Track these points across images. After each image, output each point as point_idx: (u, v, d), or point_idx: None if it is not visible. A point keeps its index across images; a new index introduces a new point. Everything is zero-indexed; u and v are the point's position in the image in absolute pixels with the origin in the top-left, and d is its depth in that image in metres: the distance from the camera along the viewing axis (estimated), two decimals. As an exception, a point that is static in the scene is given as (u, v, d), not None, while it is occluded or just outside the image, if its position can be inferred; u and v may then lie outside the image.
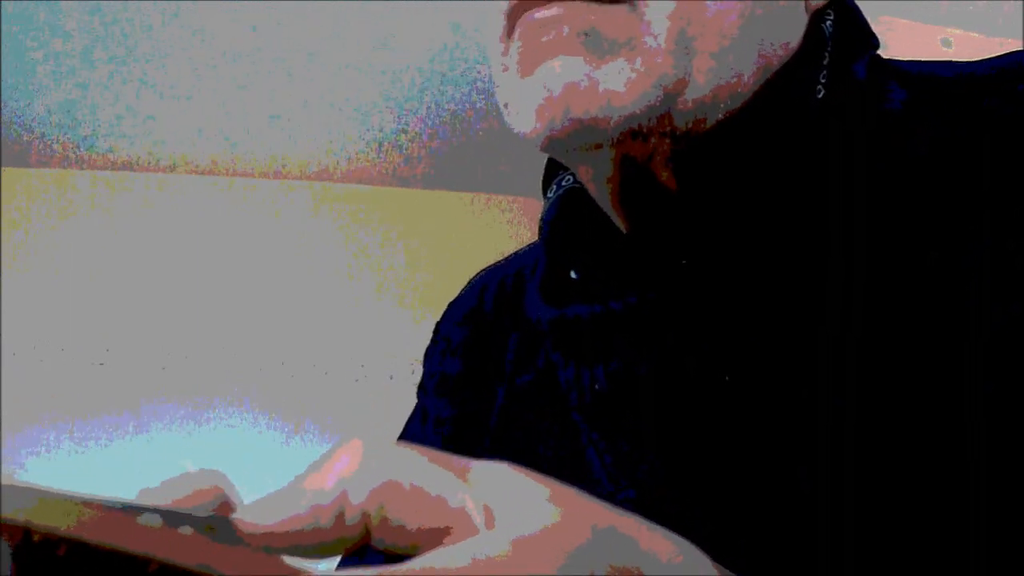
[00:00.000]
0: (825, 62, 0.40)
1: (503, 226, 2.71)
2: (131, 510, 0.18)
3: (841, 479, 0.33)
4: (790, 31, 0.40)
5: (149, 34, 2.09)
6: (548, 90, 0.36)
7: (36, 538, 0.16)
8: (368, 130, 2.57)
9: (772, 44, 0.39)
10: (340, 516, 0.20)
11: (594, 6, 0.36)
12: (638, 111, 0.36)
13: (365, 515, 0.20)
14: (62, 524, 0.17)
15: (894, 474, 0.33)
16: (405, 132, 2.58)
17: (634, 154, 0.38)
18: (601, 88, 0.35)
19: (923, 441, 0.32)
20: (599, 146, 0.38)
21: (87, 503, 0.18)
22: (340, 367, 2.69)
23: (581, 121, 0.36)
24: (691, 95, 0.37)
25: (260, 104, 2.42)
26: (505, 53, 0.39)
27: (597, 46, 0.36)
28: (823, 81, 0.39)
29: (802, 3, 0.41)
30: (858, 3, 0.43)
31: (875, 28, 0.43)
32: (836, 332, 0.35)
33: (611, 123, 0.36)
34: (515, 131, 0.39)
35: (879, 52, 0.43)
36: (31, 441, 2.48)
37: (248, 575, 0.18)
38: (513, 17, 0.38)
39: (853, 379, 0.34)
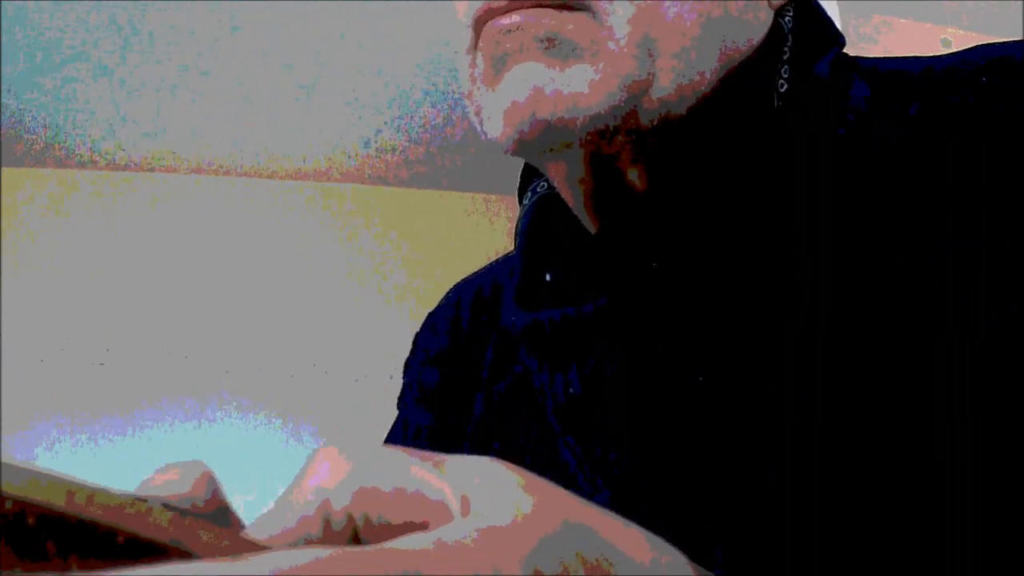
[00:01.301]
0: (785, 57, 0.40)
1: (503, 226, 2.71)
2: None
3: (807, 472, 0.34)
4: (753, 29, 0.41)
5: (149, 34, 2.09)
6: (514, 95, 0.37)
7: (9, 507, 0.16)
8: (368, 130, 2.58)
9: (735, 41, 0.40)
10: (327, 524, 0.20)
11: (555, 13, 0.36)
12: (603, 111, 0.36)
13: (351, 519, 0.20)
14: (34, 495, 0.17)
15: (859, 467, 0.33)
16: (405, 132, 2.58)
17: (602, 153, 0.39)
18: (566, 91, 0.36)
19: (888, 435, 0.33)
20: (568, 146, 0.38)
21: (57, 478, 0.18)
22: (340, 367, 2.69)
23: (548, 123, 0.36)
24: (655, 95, 0.37)
25: (260, 104, 2.42)
26: (473, 64, 0.40)
27: (560, 51, 0.36)
28: (785, 76, 0.40)
29: (764, 1, 0.42)
30: (859, 3, 0.44)
31: (874, 27, 0.43)
32: (803, 327, 0.36)
33: (577, 123, 0.36)
34: (488, 136, 0.40)
35: (884, 50, 0.43)
36: (31, 441, 2.48)
37: (219, 552, 0.18)
38: (478, 27, 0.38)
39: (820, 374, 0.35)
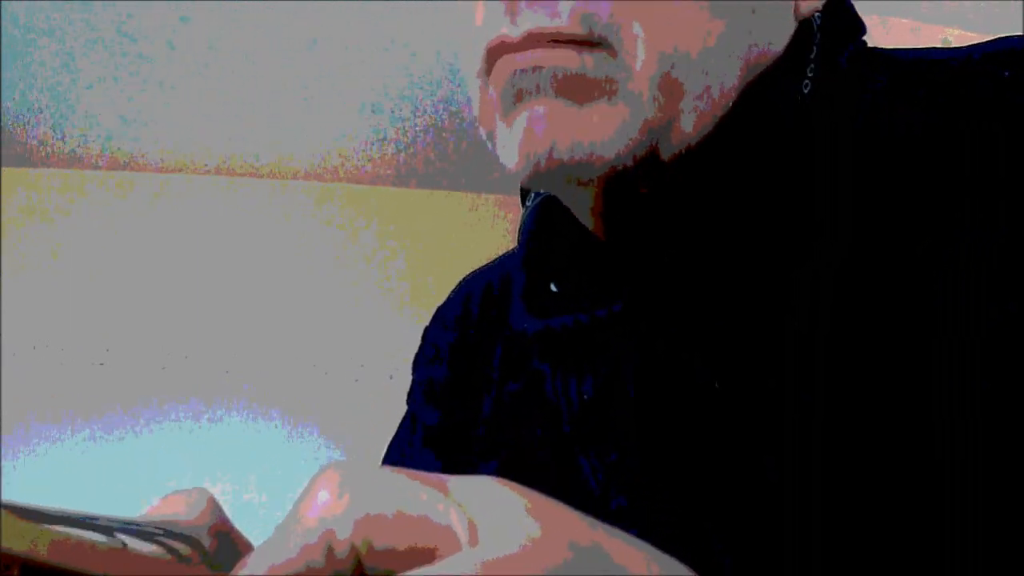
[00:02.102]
0: (812, 55, 0.40)
1: (503, 226, 2.71)
2: (90, 525, 0.18)
3: (807, 470, 0.33)
4: (779, 37, 0.40)
5: (149, 34, 2.09)
6: (531, 132, 0.36)
7: None
8: (368, 130, 2.58)
9: (760, 53, 0.39)
10: (330, 552, 0.20)
11: (574, 52, 0.35)
12: (621, 151, 0.35)
13: (353, 547, 0.20)
14: (15, 545, 0.17)
15: (860, 466, 0.33)
16: (406, 132, 2.58)
17: (618, 187, 0.38)
18: (584, 132, 0.35)
19: (889, 434, 0.33)
20: (583, 183, 0.38)
21: (43, 515, 0.17)
22: (340, 367, 2.69)
23: (564, 163, 0.35)
24: (676, 134, 0.36)
25: (260, 103, 2.42)
26: (484, 89, 0.38)
27: (579, 91, 0.35)
28: (810, 75, 0.39)
29: (791, 13, 0.41)
30: (859, 3, 0.43)
31: (874, 28, 0.43)
32: (803, 326, 0.35)
33: (595, 165, 0.36)
34: (502, 164, 0.39)
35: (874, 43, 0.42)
36: (31, 441, 2.48)
37: None
38: (492, 57, 0.37)
39: (821, 372, 0.34)
